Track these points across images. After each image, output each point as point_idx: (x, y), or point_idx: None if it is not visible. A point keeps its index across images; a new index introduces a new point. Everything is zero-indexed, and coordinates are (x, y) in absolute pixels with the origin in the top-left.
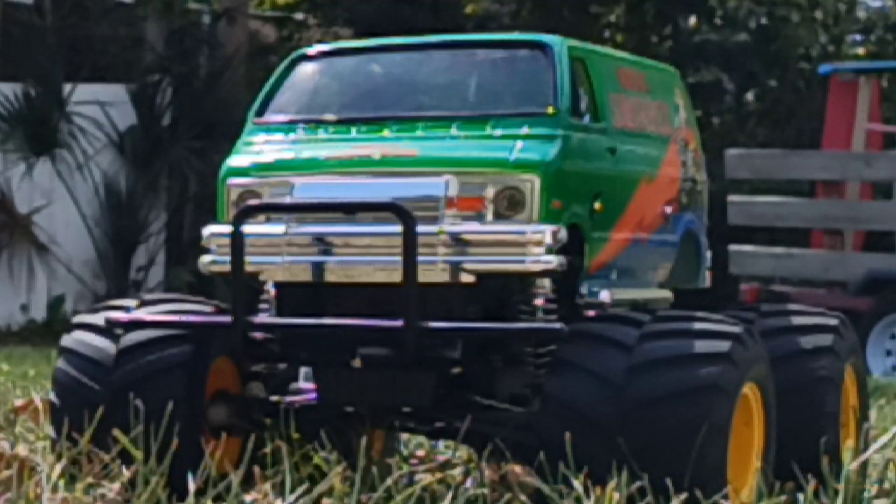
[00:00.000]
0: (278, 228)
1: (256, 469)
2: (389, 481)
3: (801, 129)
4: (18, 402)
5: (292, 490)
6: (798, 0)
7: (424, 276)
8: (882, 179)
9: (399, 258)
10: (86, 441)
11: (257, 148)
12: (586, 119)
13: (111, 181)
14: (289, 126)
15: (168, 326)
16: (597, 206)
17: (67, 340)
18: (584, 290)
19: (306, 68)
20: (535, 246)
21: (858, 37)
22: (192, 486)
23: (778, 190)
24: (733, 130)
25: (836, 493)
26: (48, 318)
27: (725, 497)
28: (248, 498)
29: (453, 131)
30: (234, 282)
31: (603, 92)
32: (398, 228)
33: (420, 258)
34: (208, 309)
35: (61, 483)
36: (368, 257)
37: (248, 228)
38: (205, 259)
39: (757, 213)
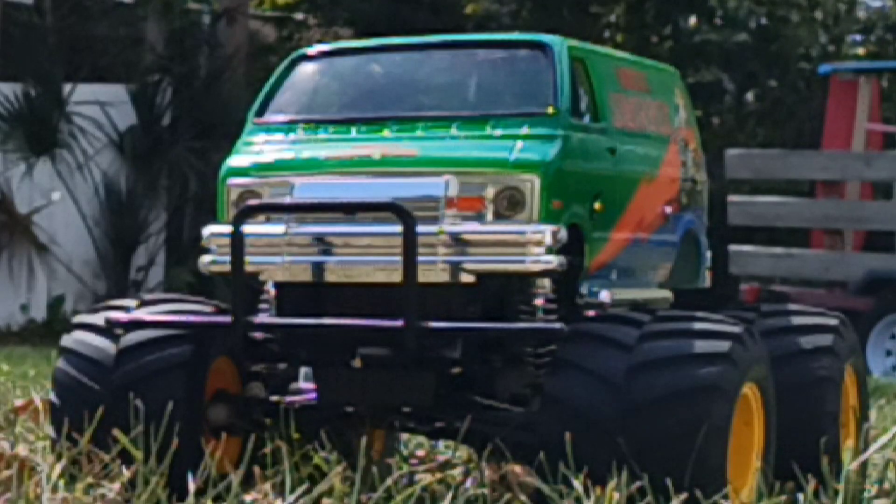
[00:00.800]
0: (278, 228)
1: (256, 469)
2: (389, 481)
3: (801, 129)
4: (18, 402)
5: (292, 490)
6: (798, 0)
7: (424, 276)
8: (882, 179)
9: (399, 258)
10: (86, 441)
11: (257, 148)
12: (586, 119)
13: (111, 181)
14: (289, 126)
15: (168, 326)
16: (597, 206)
17: (67, 340)
18: (584, 290)
19: (306, 68)
20: (535, 246)
21: (858, 37)
22: (192, 486)
23: (778, 190)
24: (733, 130)
25: (836, 493)
26: (48, 318)
27: (725, 497)
28: (248, 498)
29: (453, 131)
30: (234, 282)
31: (603, 92)
32: (398, 228)
33: (420, 258)
34: (208, 309)
35: (61, 483)
36: (368, 257)
37: (248, 228)
38: (205, 259)
39: (757, 213)
